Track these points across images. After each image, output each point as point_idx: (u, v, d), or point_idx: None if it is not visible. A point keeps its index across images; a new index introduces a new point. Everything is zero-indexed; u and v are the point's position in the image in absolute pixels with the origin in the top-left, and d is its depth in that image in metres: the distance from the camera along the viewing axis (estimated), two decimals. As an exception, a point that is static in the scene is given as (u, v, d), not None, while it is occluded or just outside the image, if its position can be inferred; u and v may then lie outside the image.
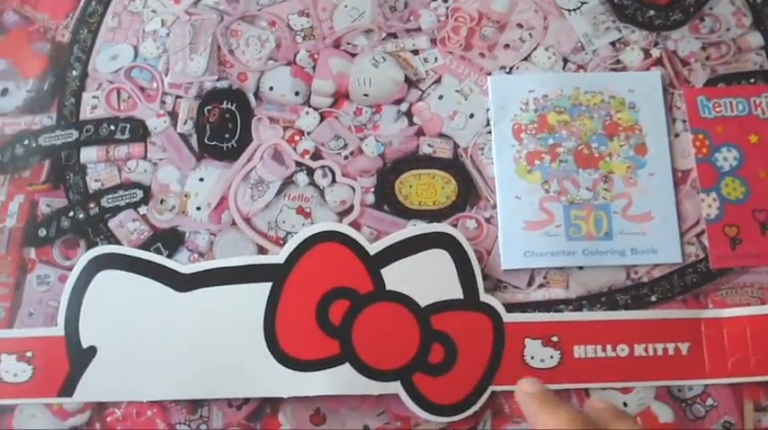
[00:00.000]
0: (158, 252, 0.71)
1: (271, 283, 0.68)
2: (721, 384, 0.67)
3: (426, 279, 0.68)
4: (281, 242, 0.71)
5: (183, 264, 0.70)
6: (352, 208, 0.72)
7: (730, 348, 0.67)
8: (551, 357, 0.68)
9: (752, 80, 0.74)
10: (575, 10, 0.76)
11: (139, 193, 0.72)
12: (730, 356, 0.67)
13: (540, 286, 0.70)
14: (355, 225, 0.71)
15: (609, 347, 0.68)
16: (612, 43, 0.75)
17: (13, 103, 0.75)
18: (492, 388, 0.67)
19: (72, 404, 0.68)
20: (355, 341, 0.67)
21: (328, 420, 0.68)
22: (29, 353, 0.69)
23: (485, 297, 0.68)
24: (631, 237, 0.70)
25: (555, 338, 0.68)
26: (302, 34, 0.75)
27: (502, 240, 0.70)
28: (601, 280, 0.70)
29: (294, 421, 0.68)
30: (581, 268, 0.70)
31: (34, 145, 0.74)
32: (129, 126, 0.74)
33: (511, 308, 0.69)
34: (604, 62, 0.74)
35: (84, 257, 0.70)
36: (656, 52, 0.75)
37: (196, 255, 0.71)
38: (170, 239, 0.71)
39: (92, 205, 0.72)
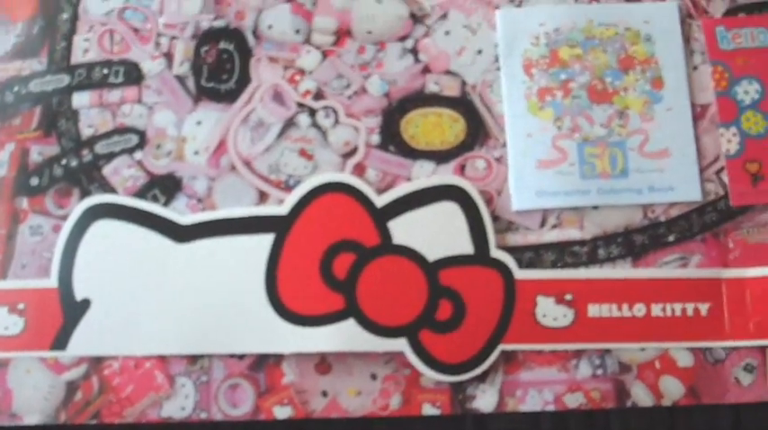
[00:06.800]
0: (155, 199, 0.68)
1: (273, 235, 0.65)
2: (743, 346, 0.64)
3: (435, 233, 0.65)
4: (283, 186, 0.68)
5: (181, 210, 0.67)
6: (356, 149, 0.68)
7: (753, 309, 0.64)
8: (564, 316, 0.65)
9: (773, 9, 0.70)
10: (586, -60, 0.72)
11: (134, 138, 0.69)
12: (753, 318, 0.64)
13: (554, 227, 0.67)
14: (360, 167, 0.68)
15: (625, 306, 0.65)
16: (626, -27, 0.72)
17: (2, 49, 0.72)
18: (502, 346, 0.64)
19: (67, 357, 0.66)
20: (360, 296, 0.64)
21: (334, 369, 0.65)
22: (21, 306, 0.66)
23: (496, 252, 0.65)
24: (648, 175, 0.67)
25: (569, 296, 0.65)
26: (302, -31, 0.72)
27: (513, 180, 0.67)
28: (617, 219, 0.67)
29: (298, 371, 0.65)
30: (596, 208, 0.67)
31: (24, 91, 0.71)
32: (122, 69, 0.71)
33: (522, 251, 0.66)
34: (618, -7, 0.71)
35: (78, 207, 0.67)
36: (672, -19, 0.71)
37: (195, 201, 0.68)
38: (167, 185, 0.68)
39: (85, 152, 0.69)
